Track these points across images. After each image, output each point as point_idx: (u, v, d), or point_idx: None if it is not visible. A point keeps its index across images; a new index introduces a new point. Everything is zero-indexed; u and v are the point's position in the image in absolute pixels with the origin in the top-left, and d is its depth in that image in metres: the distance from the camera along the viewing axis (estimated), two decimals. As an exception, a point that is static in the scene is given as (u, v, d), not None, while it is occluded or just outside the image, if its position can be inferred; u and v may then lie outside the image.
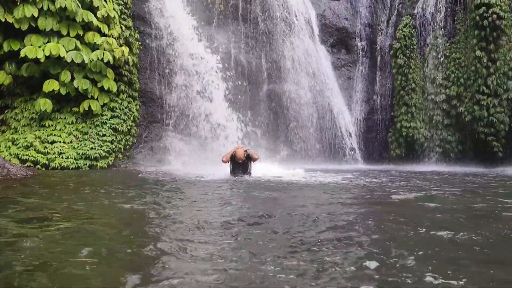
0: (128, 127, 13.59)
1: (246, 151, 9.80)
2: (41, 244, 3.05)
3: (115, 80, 13.20)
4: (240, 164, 9.78)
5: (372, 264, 2.51)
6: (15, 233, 3.38)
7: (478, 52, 15.78)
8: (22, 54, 11.48)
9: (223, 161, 9.86)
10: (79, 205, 5.04)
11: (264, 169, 10.60)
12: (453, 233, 3.38)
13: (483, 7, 15.50)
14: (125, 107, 13.61)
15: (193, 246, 3.01)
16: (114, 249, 2.94)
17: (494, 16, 15.40)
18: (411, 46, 17.72)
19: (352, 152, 18.54)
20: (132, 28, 14.35)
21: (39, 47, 11.71)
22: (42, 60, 11.65)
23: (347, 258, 2.68)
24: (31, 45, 11.67)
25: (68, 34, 12.22)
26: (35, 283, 2.19)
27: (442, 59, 17.46)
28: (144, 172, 11.27)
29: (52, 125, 12.42)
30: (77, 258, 2.66)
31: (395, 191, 6.95)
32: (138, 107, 14.36)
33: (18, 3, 11.39)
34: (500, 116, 15.75)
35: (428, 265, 2.48)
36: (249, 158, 9.85)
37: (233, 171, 9.86)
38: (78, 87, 12.31)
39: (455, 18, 17.46)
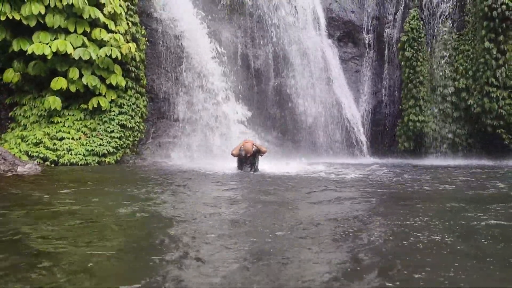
0: (136, 123, 13.62)
1: (254, 144, 9.79)
2: (50, 237, 3.07)
3: (122, 76, 13.22)
4: (247, 158, 9.77)
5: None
6: (25, 231, 3.40)
7: (487, 44, 15.63)
8: (29, 50, 11.52)
9: (232, 154, 9.88)
10: (86, 201, 5.07)
11: (271, 163, 10.62)
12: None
13: (492, -2, 15.33)
14: (133, 103, 13.63)
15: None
16: (123, 247, 2.95)
17: (504, 7, 15.22)
18: (419, 39, 17.56)
19: (360, 146, 18.46)
20: (138, 24, 14.35)
21: (47, 44, 11.75)
22: (49, 57, 11.68)
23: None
24: (39, 42, 11.71)
25: (75, 31, 12.24)
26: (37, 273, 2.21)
27: (450, 52, 17.30)
28: (151, 167, 11.31)
29: (60, 122, 12.49)
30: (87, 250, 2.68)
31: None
32: (145, 103, 14.39)
33: (26, 0, 11.42)
34: (509, 108, 15.62)
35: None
36: (257, 152, 9.84)
37: (241, 165, 9.86)
38: (87, 83, 12.35)
39: (464, 9, 17.29)
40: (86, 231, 3.38)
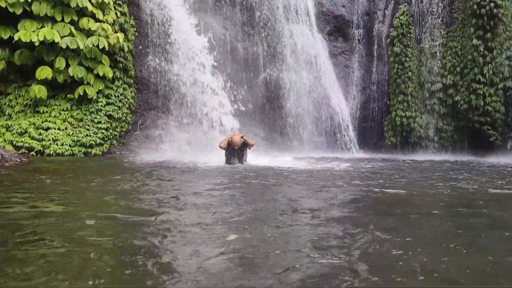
0: (124, 114, 13.52)
1: (242, 137, 9.80)
2: (35, 225, 3.03)
3: (110, 66, 13.09)
4: (236, 151, 9.76)
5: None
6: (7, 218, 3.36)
7: (475, 41, 15.75)
8: (16, 37, 11.36)
9: (220, 147, 9.86)
10: (69, 192, 5.02)
11: (259, 157, 10.62)
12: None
13: (481, -5, 15.44)
14: (120, 94, 13.52)
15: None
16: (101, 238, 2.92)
17: (492, 4, 15.33)
18: (408, 35, 17.62)
19: (348, 141, 18.53)
20: (127, 14, 14.20)
21: (33, 32, 11.57)
22: (36, 44, 11.52)
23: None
24: (25, 29, 11.53)
25: (62, 20, 12.07)
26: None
27: (439, 48, 17.41)
28: (138, 159, 11.24)
29: (46, 112, 12.34)
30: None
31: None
32: (133, 94, 14.28)
33: (11, -13, 11.23)
34: (496, 105, 15.78)
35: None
36: (245, 145, 9.84)
37: (229, 158, 9.84)
38: (73, 75, 12.20)
39: (453, 6, 17.38)
40: (66, 221, 3.34)
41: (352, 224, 3.33)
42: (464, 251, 2.62)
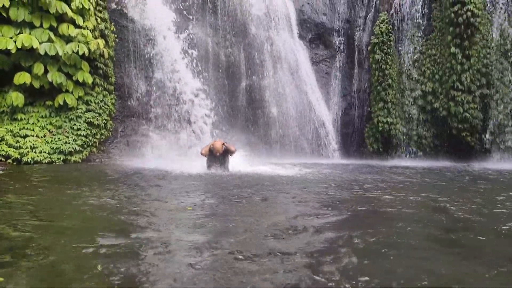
0: (104, 121, 13.36)
1: (224, 144, 9.76)
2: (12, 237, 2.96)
3: (90, 73, 12.94)
4: (217, 158, 9.71)
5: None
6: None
7: (453, 49, 16.05)
8: (-8, 45, 11.15)
9: (202, 154, 9.81)
10: (45, 201, 4.93)
11: (241, 164, 10.59)
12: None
13: (458, 4, 15.76)
14: (101, 101, 13.37)
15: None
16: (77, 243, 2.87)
17: (469, 13, 15.66)
18: (388, 42, 17.86)
19: (330, 147, 18.65)
20: (108, 20, 14.09)
21: (11, 38, 11.38)
22: (13, 52, 11.32)
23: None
24: (2, 36, 11.32)
25: (41, 26, 11.89)
26: None
27: (418, 55, 17.69)
28: (118, 166, 11.10)
29: (24, 119, 12.11)
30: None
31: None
32: (114, 101, 14.13)
33: (-12, -8, 11.04)
34: (473, 112, 16.08)
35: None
36: (226, 151, 9.81)
37: (210, 165, 9.79)
38: (52, 80, 12.02)
39: (432, 15, 17.69)
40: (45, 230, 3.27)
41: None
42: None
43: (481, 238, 3.32)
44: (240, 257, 2.59)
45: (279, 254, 2.67)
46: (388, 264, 2.54)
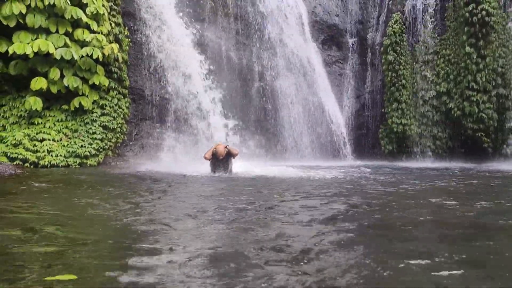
0: (118, 124, 13.50)
1: (226, 147, 9.83)
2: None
3: (104, 77, 13.09)
4: (220, 161, 9.79)
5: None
6: None
7: (467, 49, 15.88)
8: (10, 51, 11.35)
9: (205, 157, 9.90)
10: (61, 205, 5.01)
11: (247, 166, 10.62)
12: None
13: (472, 4, 15.59)
14: (115, 105, 13.51)
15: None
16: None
17: (484, 12, 15.48)
18: (401, 43, 17.75)
19: (343, 149, 18.58)
20: (121, 25, 14.25)
21: (28, 43, 11.58)
22: (30, 56, 11.52)
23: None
24: (20, 42, 11.53)
25: (57, 31, 12.09)
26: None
27: (432, 56, 17.54)
28: (132, 170, 11.21)
29: (41, 123, 12.30)
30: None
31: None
32: (128, 104, 14.28)
33: (5, 0, 11.25)
34: (489, 112, 15.88)
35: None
36: (229, 154, 9.86)
37: (214, 168, 9.87)
38: (68, 85, 12.20)
39: (445, 14, 17.54)
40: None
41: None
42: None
43: None
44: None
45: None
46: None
